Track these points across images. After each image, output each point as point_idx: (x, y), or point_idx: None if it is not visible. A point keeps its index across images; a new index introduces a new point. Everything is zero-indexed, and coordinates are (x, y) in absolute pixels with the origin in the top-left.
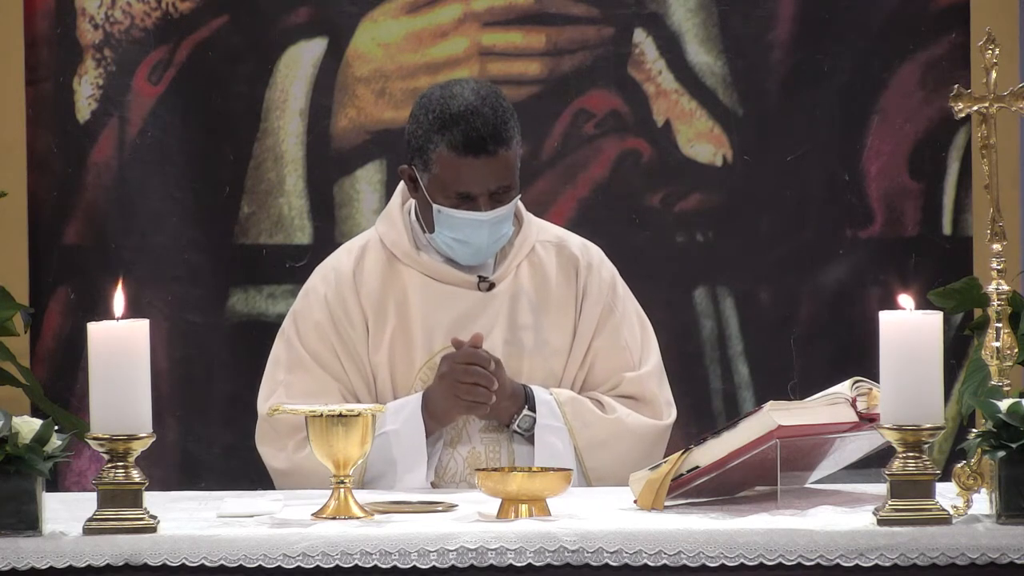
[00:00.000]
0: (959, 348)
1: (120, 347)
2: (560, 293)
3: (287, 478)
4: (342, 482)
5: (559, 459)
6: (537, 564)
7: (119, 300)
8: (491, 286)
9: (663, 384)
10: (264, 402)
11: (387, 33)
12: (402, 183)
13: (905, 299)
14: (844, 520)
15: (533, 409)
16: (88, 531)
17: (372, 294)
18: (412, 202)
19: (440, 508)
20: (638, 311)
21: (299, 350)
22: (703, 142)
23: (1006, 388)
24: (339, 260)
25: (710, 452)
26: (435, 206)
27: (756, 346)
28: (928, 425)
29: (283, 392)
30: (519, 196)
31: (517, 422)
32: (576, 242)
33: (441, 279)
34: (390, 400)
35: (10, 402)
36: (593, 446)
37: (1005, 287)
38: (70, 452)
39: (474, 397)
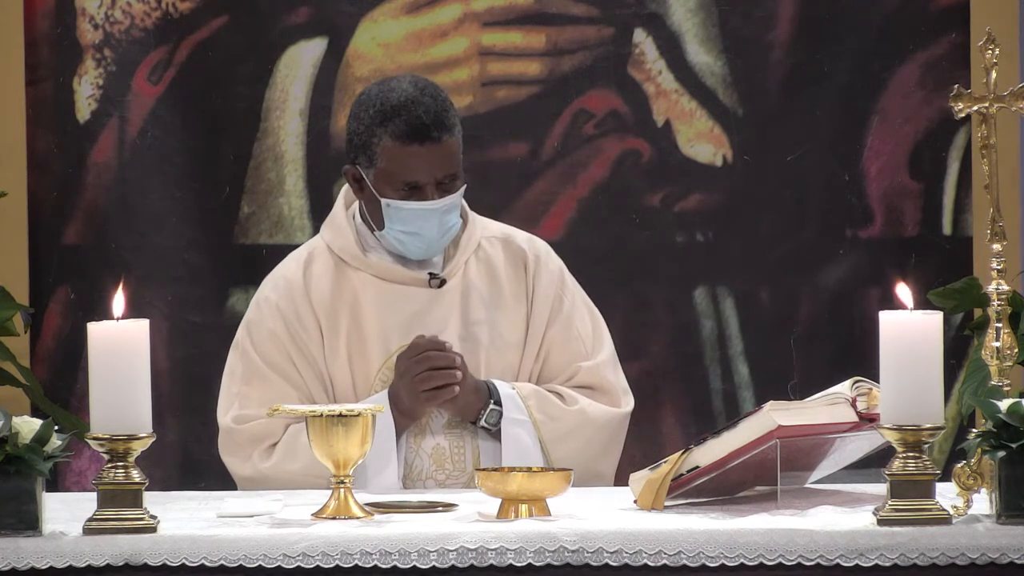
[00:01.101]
0: (959, 348)
1: (120, 347)
2: (510, 287)
3: (254, 484)
4: (342, 482)
5: (526, 453)
6: (537, 564)
7: (119, 301)
8: (442, 282)
9: (618, 372)
10: (223, 415)
11: (387, 33)
12: (344, 188)
13: (903, 289)
14: (844, 520)
15: (499, 403)
16: (88, 531)
17: (323, 300)
18: (356, 205)
19: (440, 508)
20: (587, 302)
21: (255, 360)
22: (703, 142)
23: (1006, 388)
24: (288, 268)
25: (710, 452)
26: (383, 200)
27: (756, 346)
28: (928, 425)
29: (239, 404)
30: (465, 187)
31: (484, 417)
32: (522, 237)
33: (391, 279)
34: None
35: (10, 402)
36: (558, 438)
37: (1005, 287)
38: (70, 452)
39: (433, 383)
